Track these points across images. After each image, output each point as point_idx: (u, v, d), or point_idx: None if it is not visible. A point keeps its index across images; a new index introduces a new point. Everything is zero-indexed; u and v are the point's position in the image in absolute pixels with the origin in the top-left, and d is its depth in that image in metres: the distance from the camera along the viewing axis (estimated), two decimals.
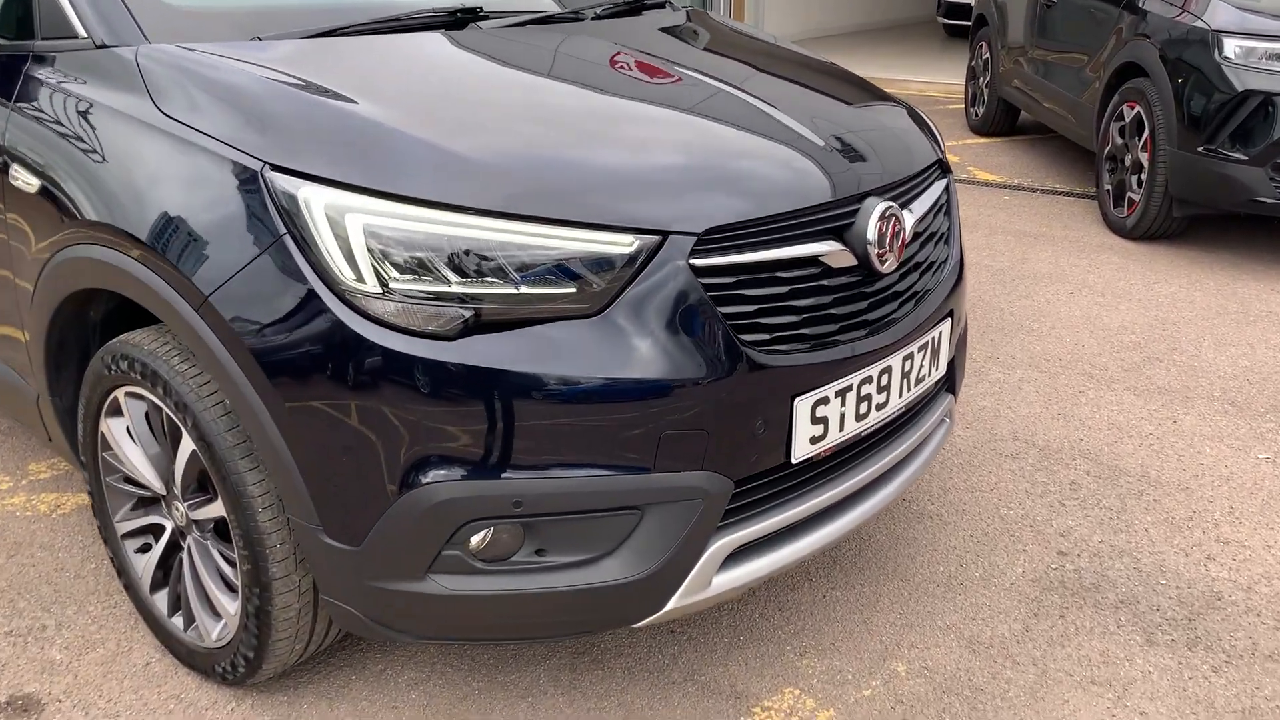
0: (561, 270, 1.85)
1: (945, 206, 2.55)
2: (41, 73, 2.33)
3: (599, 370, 1.84)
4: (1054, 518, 3.05)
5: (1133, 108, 5.68)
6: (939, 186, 2.53)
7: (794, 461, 2.07)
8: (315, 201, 1.84)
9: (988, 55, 8.19)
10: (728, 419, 1.95)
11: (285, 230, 1.86)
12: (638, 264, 1.87)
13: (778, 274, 2.01)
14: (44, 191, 2.25)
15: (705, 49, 2.84)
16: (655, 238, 1.89)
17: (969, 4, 12.82)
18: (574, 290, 1.85)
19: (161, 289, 2.00)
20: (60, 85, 2.27)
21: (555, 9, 2.92)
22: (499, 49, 2.50)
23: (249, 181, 1.90)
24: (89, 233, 2.14)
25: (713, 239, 1.93)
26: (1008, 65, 7.71)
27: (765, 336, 1.99)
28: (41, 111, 2.29)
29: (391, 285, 1.82)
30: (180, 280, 1.97)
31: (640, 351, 1.86)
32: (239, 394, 1.94)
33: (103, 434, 2.38)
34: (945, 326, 2.44)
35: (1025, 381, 3.95)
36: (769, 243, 2.00)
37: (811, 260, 2.06)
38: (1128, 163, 5.73)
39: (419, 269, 1.82)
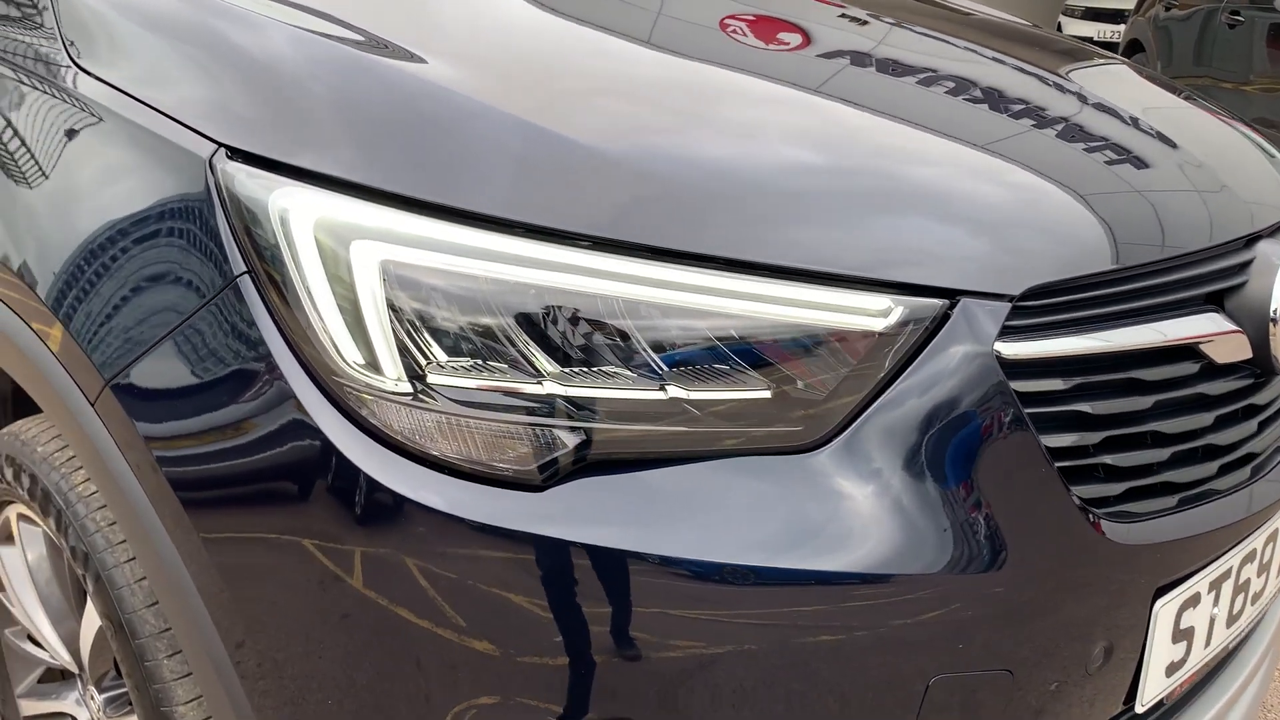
0: (748, 358, 0.97)
1: None
2: None
3: (818, 554, 0.95)
4: None
5: None
6: None
7: (1140, 710, 1.16)
8: (298, 215, 0.98)
9: None
10: (1048, 644, 1.04)
11: (245, 268, 1.00)
12: (899, 351, 0.98)
13: (1136, 373, 1.10)
14: None
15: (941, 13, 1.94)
16: (934, 303, 0.99)
17: (1096, 38, 11.82)
18: (767, 395, 0.97)
19: (45, 365, 1.16)
20: None
21: None
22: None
23: (192, 179, 1.05)
24: None
25: (1034, 309, 1.03)
26: None
27: (1115, 488, 1.08)
28: None
29: (432, 379, 0.95)
30: (72, 353, 1.12)
31: (896, 518, 0.97)
32: (155, 556, 1.08)
33: None
34: None
35: None
36: (1123, 316, 1.09)
37: (1184, 350, 1.15)
38: None
39: (486, 348, 0.95)
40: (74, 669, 1.49)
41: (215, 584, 1.05)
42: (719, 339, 0.96)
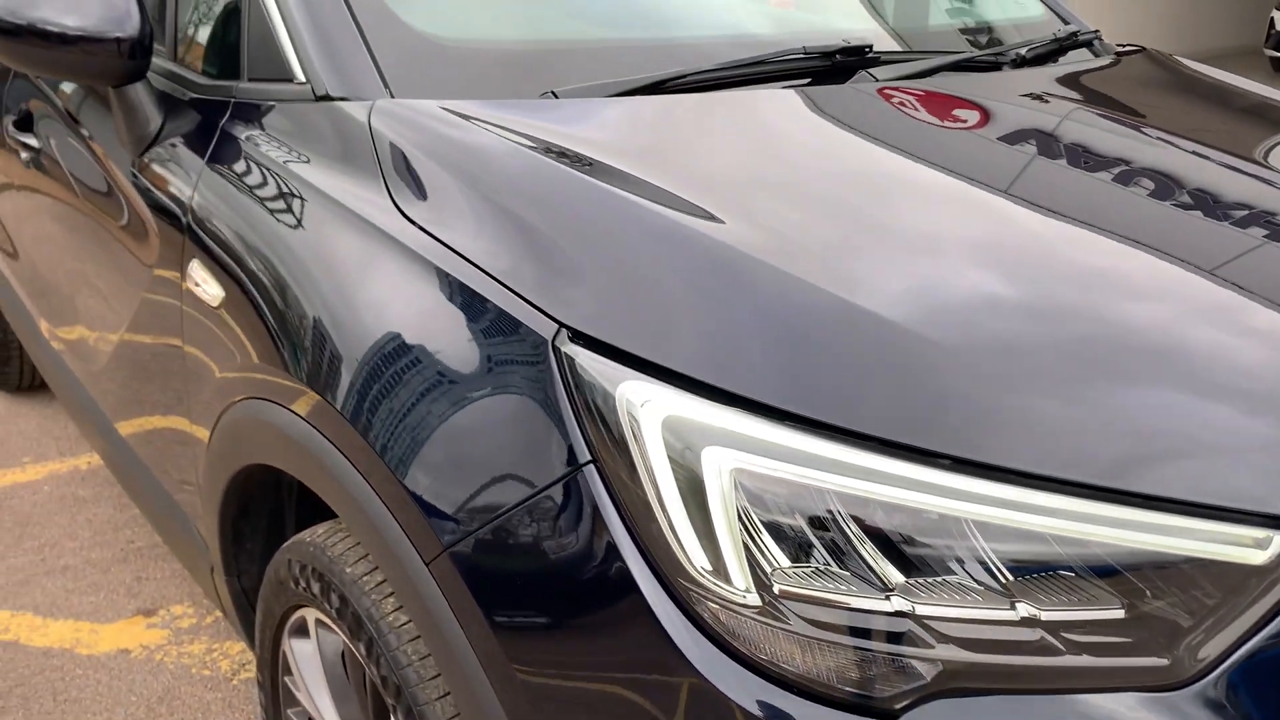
0: (1106, 579, 0.93)
1: None
2: (241, 129, 1.60)
3: None
4: None
5: None
6: None
7: None
8: (649, 413, 0.99)
9: None
10: None
11: (590, 457, 1.02)
12: (1277, 583, 0.93)
13: None
14: (227, 307, 1.51)
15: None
16: None
17: None
18: (1122, 615, 0.93)
19: (378, 517, 1.21)
20: (260, 151, 1.53)
21: (967, 47, 1.99)
22: (919, 131, 1.58)
23: (531, 356, 1.08)
24: (276, 388, 1.38)
25: None
26: None
27: None
28: (232, 188, 1.56)
29: (778, 589, 0.95)
30: (408, 510, 1.16)
31: None
32: (473, 698, 1.12)
33: (284, 654, 1.63)
34: None
35: None
36: None
37: None
38: None
39: (836, 560, 0.94)
40: None
41: None
42: (1076, 563, 0.93)
